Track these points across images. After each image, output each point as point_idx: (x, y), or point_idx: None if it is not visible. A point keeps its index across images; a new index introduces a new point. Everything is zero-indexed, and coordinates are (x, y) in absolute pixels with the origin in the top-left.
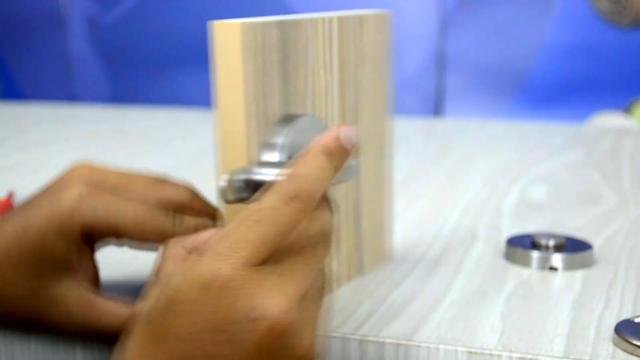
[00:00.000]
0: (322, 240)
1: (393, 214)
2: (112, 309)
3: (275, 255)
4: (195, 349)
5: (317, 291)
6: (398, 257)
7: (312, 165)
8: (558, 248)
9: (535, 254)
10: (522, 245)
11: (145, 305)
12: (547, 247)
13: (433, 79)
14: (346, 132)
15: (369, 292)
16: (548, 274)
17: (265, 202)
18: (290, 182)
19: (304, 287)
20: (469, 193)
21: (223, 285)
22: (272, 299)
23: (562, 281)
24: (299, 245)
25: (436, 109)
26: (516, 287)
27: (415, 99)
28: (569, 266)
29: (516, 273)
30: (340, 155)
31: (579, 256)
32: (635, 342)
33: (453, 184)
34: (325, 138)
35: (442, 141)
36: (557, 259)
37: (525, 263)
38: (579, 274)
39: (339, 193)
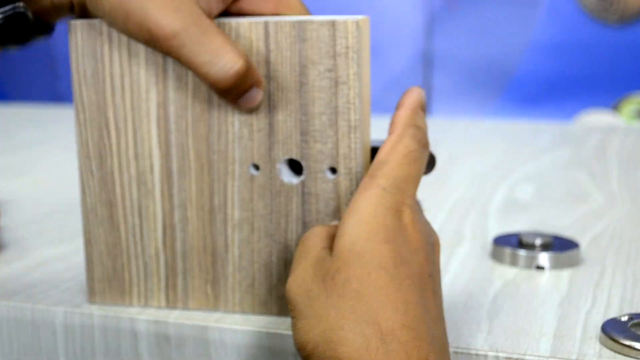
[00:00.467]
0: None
1: None
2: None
3: None
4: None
5: None
6: None
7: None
8: (545, 247)
9: (522, 253)
10: (508, 245)
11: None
12: (533, 246)
13: (420, 78)
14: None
15: None
16: (535, 273)
17: (409, 145)
18: (414, 133)
19: None
20: (456, 192)
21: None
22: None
23: (549, 280)
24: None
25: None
26: (503, 286)
27: None
28: (555, 265)
29: (503, 272)
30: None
31: (566, 255)
32: (622, 341)
33: (440, 184)
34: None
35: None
36: (543, 258)
37: (512, 262)
38: (566, 273)
39: (322, 197)
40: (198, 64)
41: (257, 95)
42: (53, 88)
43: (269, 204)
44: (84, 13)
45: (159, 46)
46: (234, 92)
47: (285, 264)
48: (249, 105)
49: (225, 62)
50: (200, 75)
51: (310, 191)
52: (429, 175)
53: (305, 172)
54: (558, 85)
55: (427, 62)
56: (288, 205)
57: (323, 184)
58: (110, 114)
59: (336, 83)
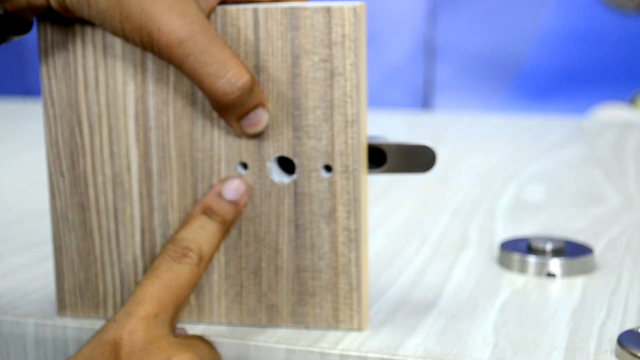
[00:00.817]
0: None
1: (367, 222)
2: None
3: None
4: None
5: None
6: (382, 264)
7: (193, 226)
8: (556, 252)
9: (531, 259)
10: (517, 250)
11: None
12: (544, 252)
13: (421, 69)
14: (229, 187)
15: None
16: (545, 280)
17: (158, 262)
18: (175, 245)
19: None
20: (460, 193)
21: (130, 349)
22: (185, 352)
23: (561, 289)
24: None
25: (424, 101)
26: (511, 295)
27: (401, 91)
28: (568, 272)
29: (511, 280)
30: (224, 211)
31: (579, 261)
32: (639, 354)
33: (442, 184)
34: (206, 197)
35: (431, 137)
36: (555, 265)
37: (521, 269)
38: (579, 281)
39: (316, 197)
40: (203, 75)
41: (262, 116)
42: (22, 80)
43: (259, 206)
44: (65, 12)
45: (159, 53)
46: (238, 110)
47: (276, 270)
48: (254, 127)
49: (231, 75)
50: (204, 88)
51: (304, 191)
52: (430, 174)
53: (297, 170)
54: (571, 77)
55: (428, 52)
56: (279, 207)
57: (317, 183)
58: (83, 110)
59: (332, 74)
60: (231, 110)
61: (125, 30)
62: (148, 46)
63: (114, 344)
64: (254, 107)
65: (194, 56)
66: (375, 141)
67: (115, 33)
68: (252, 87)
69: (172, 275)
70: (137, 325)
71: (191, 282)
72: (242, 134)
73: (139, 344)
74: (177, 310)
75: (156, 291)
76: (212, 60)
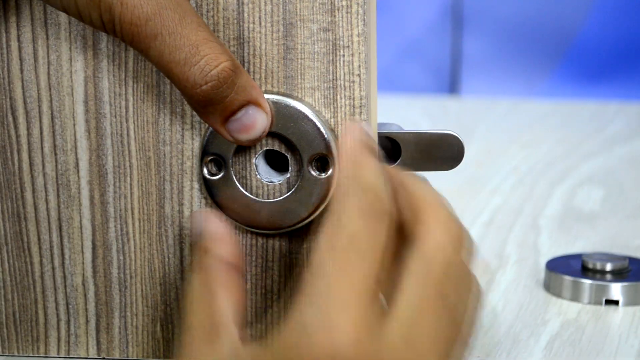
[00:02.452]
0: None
1: None
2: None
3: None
4: None
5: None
6: None
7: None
8: (618, 274)
9: (586, 283)
10: (568, 271)
11: None
12: (602, 273)
13: (446, 42)
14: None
15: None
16: (605, 309)
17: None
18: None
19: (447, 349)
20: (496, 198)
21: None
22: None
23: (624, 320)
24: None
25: (451, 83)
26: (561, 328)
27: (423, 70)
28: (632, 299)
29: (561, 309)
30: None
31: None
32: None
33: (473, 186)
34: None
35: (459, 127)
36: (616, 290)
37: (573, 295)
38: None
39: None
40: (171, 63)
41: (257, 118)
42: None
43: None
44: None
45: (121, 33)
46: (220, 108)
47: (265, 292)
48: (246, 133)
49: (205, 62)
50: (173, 79)
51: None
52: (457, 173)
53: (291, 167)
54: (635, 54)
55: (455, 21)
56: None
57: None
58: (18, 93)
59: (334, 47)
60: (211, 109)
61: (79, 5)
62: (108, 24)
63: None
64: (243, 105)
65: (161, 38)
66: (387, 130)
67: (66, 9)
68: (235, 78)
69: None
70: (346, 333)
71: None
72: (235, 142)
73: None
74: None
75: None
76: (182, 44)
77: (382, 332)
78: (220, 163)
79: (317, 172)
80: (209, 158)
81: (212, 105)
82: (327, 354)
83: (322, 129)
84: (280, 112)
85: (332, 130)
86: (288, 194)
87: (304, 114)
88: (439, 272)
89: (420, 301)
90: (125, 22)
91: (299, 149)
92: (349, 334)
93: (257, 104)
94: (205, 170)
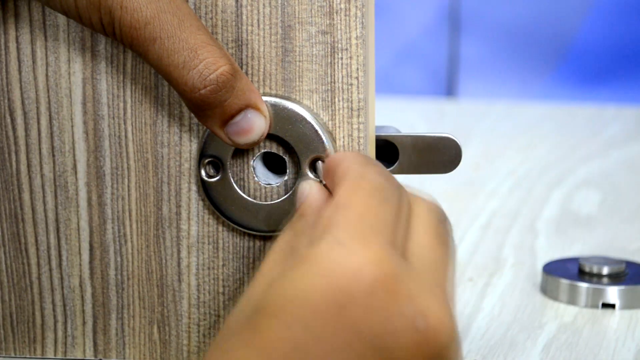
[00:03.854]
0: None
1: None
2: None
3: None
4: None
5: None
6: None
7: None
8: (614, 278)
9: (583, 286)
10: (565, 274)
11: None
12: (599, 277)
13: (444, 46)
14: None
15: None
16: (601, 313)
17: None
18: None
19: (452, 279)
20: (493, 201)
21: (369, 284)
22: (439, 303)
23: (621, 323)
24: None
25: (448, 86)
26: (557, 331)
27: (419, 72)
28: (629, 303)
29: (557, 312)
30: None
31: None
32: None
33: (470, 189)
34: None
35: (456, 130)
36: (613, 293)
37: (570, 298)
38: None
39: None
40: (169, 66)
41: (255, 121)
42: None
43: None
44: None
45: (121, 36)
46: (219, 112)
47: None
48: (244, 136)
49: (204, 66)
50: (172, 82)
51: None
52: (455, 176)
53: (289, 170)
54: (632, 57)
55: (453, 25)
56: None
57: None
58: (16, 95)
59: (333, 50)
60: (209, 112)
61: (79, 8)
62: (107, 27)
63: (337, 285)
64: (241, 109)
65: (160, 41)
66: (385, 133)
67: (66, 12)
68: (234, 81)
69: (390, 193)
70: (375, 254)
71: None
72: (233, 145)
73: (381, 285)
74: (398, 234)
75: (373, 207)
76: (180, 47)
77: (402, 259)
78: (218, 165)
79: (315, 175)
80: (207, 160)
81: (211, 109)
82: (356, 267)
83: (320, 132)
84: (279, 115)
85: (330, 133)
86: (285, 196)
87: (302, 116)
88: (435, 218)
89: (428, 238)
90: (124, 25)
91: (296, 151)
92: (377, 252)
93: (255, 108)
94: (202, 172)
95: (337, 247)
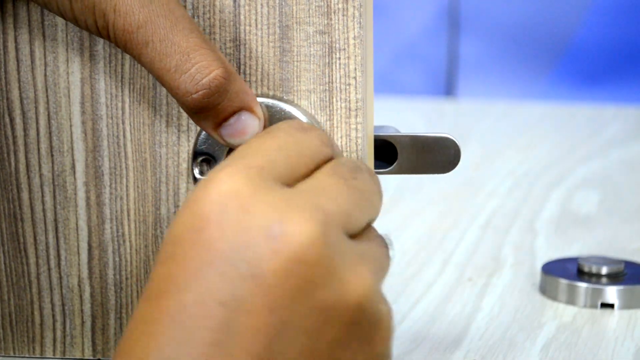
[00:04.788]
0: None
1: None
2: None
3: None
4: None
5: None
6: (393, 290)
7: None
8: (614, 278)
9: (582, 286)
10: (564, 274)
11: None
12: (598, 277)
13: (443, 45)
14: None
15: None
16: (600, 313)
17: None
18: None
19: (350, 215)
20: (492, 201)
21: (220, 202)
22: (298, 215)
23: (620, 323)
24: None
25: (447, 86)
26: (557, 331)
27: (419, 73)
28: (628, 303)
29: (556, 312)
30: None
31: None
32: None
33: (469, 189)
34: None
35: (455, 130)
36: (612, 293)
37: (569, 298)
38: None
39: None
40: (162, 70)
41: (249, 123)
42: None
43: None
44: None
45: (115, 39)
46: (213, 114)
47: None
48: (238, 137)
49: (196, 70)
50: (165, 86)
51: None
52: (454, 176)
53: None
54: (631, 57)
55: (452, 24)
56: None
57: None
58: (14, 94)
59: (330, 50)
60: (202, 115)
61: (75, 11)
62: (102, 30)
63: (199, 207)
64: (235, 111)
65: (153, 45)
66: (383, 133)
67: (63, 14)
68: (227, 85)
69: (292, 139)
70: (230, 176)
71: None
72: (227, 146)
73: (233, 199)
74: (295, 176)
75: (265, 145)
76: (172, 51)
77: (265, 180)
78: (212, 163)
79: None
80: (201, 158)
81: (204, 112)
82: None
83: None
84: (275, 117)
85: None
86: None
87: (297, 119)
88: (340, 165)
89: (323, 174)
90: (118, 28)
91: None
92: (228, 172)
93: (249, 110)
94: (196, 171)
95: (204, 179)
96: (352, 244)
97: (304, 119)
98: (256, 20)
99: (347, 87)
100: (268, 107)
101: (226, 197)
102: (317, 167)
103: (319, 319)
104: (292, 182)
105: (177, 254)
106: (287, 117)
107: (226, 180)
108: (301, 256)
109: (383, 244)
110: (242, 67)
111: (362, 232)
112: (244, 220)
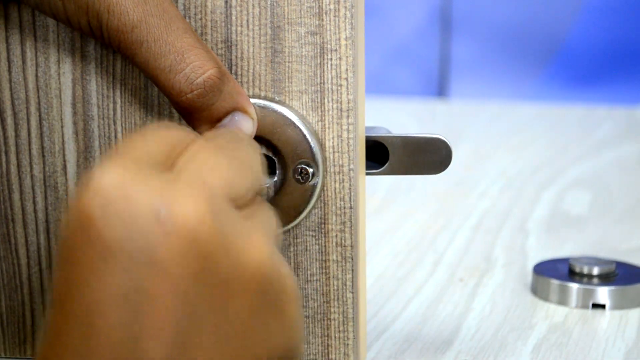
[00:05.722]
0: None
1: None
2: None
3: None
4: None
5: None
6: (385, 290)
7: None
8: (605, 278)
9: (573, 287)
10: (555, 275)
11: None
12: (589, 277)
13: (436, 46)
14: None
15: None
16: (592, 313)
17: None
18: None
19: (233, 185)
20: (484, 202)
21: (104, 195)
22: (184, 192)
23: (611, 323)
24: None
25: (439, 87)
26: (548, 331)
27: (410, 73)
28: (619, 303)
29: (548, 312)
30: None
31: (633, 289)
32: None
33: (461, 189)
34: None
35: (447, 130)
36: (603, 293)
37: (561, 299)
38: (634, 314)
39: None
40: (156, 70)
41: (242, 124)
42: None
43: None
44: None
45: (109, 40)
46: (206, 115)
47: None
48: None
49: (190, 70)
50: (159, 86)
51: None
52: (445, 177)
53: (279, 171)
54: (622, 58)
55: (444, 25)
56: None
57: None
58: (6, 94)
59: (322, 51)
60: (196, 115)
61: (68, 12)
62: (96, 31)
63: (82, 206)
64: (228, 112)
65: (147, 45)
66: (375, 134)
67: (55, 15)
68: (221, 85)
69: (161, 132)
70: (107, 170)
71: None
72: None
73: (114, 190)
74: (172, 158)
75: (137, 137)
76: (167, 51)
77: (148, 168)
78: None
79: (300, 179)
80: None
81: (198, 112)
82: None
83: (307, 137)
84: (267, 118)
85: (319, 138)
86: (275, 196)
87: (290, 120)
88: (218, 136)
89: (201, 150)
90: (112, 29)
91: (283, 154)
92: (110, 165)
93: (243, 111)
94: None
95: (83, 179)
96: (240, 214)
97: (296, 120)
98: (247, 21)
99: (339, 87)
100: (261, 109)
101: (107, 190)
102: (193, 142)
103: (224, 293)
104: (169, 163)
105: (71, 256)
106: (280, 117)
107: (104, 174)
108: (194, 234)
109: (268, 207)
110: (233, 68)
111: (248, 200)
112: (129, 210)
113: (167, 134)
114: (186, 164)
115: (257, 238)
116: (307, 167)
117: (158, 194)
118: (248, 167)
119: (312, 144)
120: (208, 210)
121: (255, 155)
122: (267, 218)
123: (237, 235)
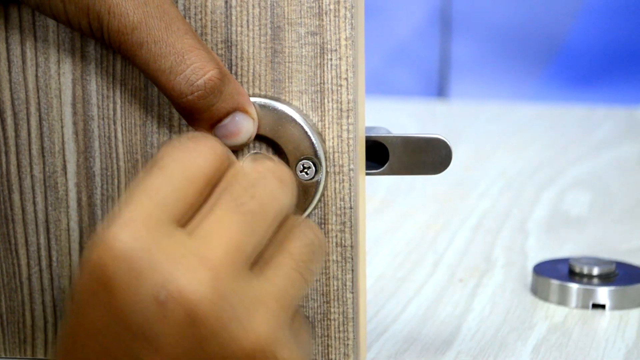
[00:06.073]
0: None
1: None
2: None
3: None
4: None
5: (270, 260)
6: (385, 291)
7: None
8: (605, 278)
9: (573, 287)
10: (555, 275)
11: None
12: (589, 277)
13: (436, 47)
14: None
15: None
16: (592, 313)
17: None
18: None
19: (241, 248)
20: (484, 202)
21: (112, 260)
22: (186, 270)
23: (611, 324)
24: (229, 191)
25: (439, 87)
26: (548, 331)
27: (410, 73)
28: (619, 303)
29: (548, 312)
30: None
31: (633, 289)
32: None
33: (461, 190)
34: None
35: (447, 130)
36: (603, 294)
37: (560, 299)
38: (634, 314)
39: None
40: (157, 71)
41: (243, 124)
42: None
43: None
44: None
45: (109, 41)
46: (207, 116)
47: None
48: (233, 138)
49: (191, 71)
50: (159, 87)
51: None
52: (445, 177)
53: None
54: (622, 58)
55: (444, 25)
56: None
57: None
58: (6, 94)
59: (322, 51)
60: (197, 116)
61: (69, 13)
62: (96, 32)
63: (93, 267)
64: (229, 112)
65: (147, 46)
66: (375, 134)
67: (56, 17)
68: (222, 86)
69: (180, 167)
70: (119, 232)
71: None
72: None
73: (122, 265)
74: (188, 209)
75: (155, 183)
76: (167, 52)
77: (155, 232)
78: None
79: (304, 176)
80: None
81: (199, 113)
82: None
83: (309, 133)
84: (268, 116)
85: (320, 134)
86: None
87: (291, 117)
88: (235, 184)
89: (221, 211)
90: (112, 30)
91: (286, 152)
92: (116, 231)
93: (243, 111)
94: None
95: (99, 234)
96: (248, 284)
97: (297, 117)
98: (248, 21)
99: (339, 88)
100: (262, 107)
101: (116, 259)
102: (213, 187)
103: None
104: (184, 217)
105: (79, 313)
106: (281, 116)
107: (117, 239)
108: (190, 317)
109: (294, 262)
110: (233, 68)
111: (268, 252)
112: (132, 285)
113: (186, 168)
114: (196, 226)
115: (261, 316)
116: (311, 163)
117: (160, 269)
118: (263, 220)
119: (313, 140)
120: (208, 289)
121: (279, 192)
122: (284, 283)
123: (236, 314)
